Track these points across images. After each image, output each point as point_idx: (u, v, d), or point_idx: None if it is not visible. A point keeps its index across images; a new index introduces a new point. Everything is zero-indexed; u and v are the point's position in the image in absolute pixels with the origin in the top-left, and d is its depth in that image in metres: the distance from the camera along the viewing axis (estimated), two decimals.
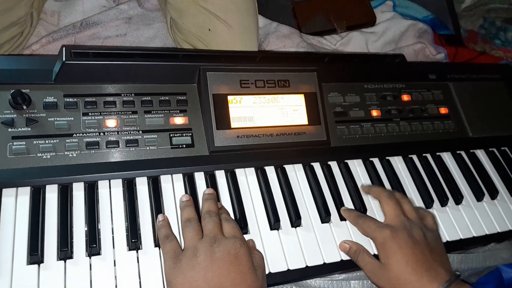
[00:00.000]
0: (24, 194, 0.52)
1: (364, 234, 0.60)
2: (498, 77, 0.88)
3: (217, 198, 0.59)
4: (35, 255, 0.48)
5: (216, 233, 0.51)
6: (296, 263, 0.56)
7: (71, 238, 0.51)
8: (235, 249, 0.49)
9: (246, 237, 0.56)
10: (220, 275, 0.47)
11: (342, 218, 0.63)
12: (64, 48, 0.59)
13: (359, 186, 0.66)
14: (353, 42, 1.07)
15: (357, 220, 0.60)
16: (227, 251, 0.48)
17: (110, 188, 0.56)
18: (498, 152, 0.81)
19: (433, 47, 1.03)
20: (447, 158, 0.76)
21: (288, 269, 0.55)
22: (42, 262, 0.49)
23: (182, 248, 0.51)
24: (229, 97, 0.64)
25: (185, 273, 0.47)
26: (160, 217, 0.54)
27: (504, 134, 0.83)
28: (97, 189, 0.55)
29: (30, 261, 0.48)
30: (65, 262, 0.49)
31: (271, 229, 0.58)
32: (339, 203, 0.64)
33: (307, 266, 0.56)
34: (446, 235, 0.65)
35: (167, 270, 0.49)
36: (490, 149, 0.80)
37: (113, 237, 0.52)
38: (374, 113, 0.74)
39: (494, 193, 0.73)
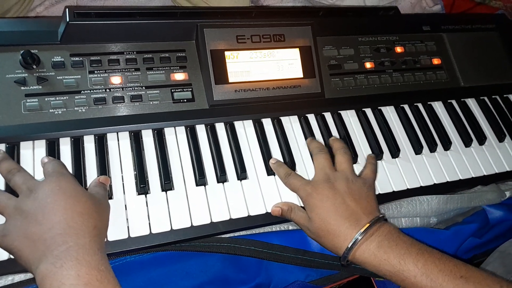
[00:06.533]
0: (40, 147, 0.57)
1: (292, 191, 0.61)
2: (493, 27, 0.89)
3: (218, 148, 0.63)
4: None
5: (29, 185, 0.49)
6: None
7: (85, 185, 0.56)
8: (54, 182, 0.49)
9: (245, 182, 0.61)
10: (50, 211, 0.46)
11: None
12: (67, 9, 0.62)
13: (351, 134, 0.70)
14: None
15: (285, 178, 0.61)
16: (48, 190, 0.48)
17: (118, 140, 0.60)
18: (489, 100, 0.83)
19: None
20: (438, 107, 0.79)
21: None
22: None
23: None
24: (226, 53, 0.67)
25: (19, 236, 0.46)
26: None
27: (496, 82, 0.85)
28: (106, 141, 0.60)
29: None
30: None
31: (268, 174, 0.63)
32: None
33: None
34: (434, 179, 0.70)
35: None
36: (481, 97, 0.83)
37: (123, 184, 0.57)
38: (368, 65, 0.77)
39: (482, 139, 0.76)
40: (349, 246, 0.52)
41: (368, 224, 0.53)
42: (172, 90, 0.65)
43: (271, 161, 0.63)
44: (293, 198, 0.62)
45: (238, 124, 0.67)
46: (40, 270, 0.43)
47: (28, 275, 0.52)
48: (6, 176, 0.52)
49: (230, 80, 0.66)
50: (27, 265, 0.46)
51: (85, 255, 0.44)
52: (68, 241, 0.45)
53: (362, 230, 0.52)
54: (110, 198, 0.56)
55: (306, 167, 0.66)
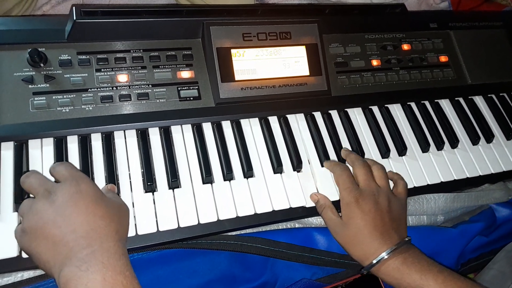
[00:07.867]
0: (48, 145, 0.57)
1: (336, 183, 0.62)
2: (500, 25, 0.89)
3: (224, 147, 0.63)
4: None
5: (46, 186, 0.49)
6: (297, 202, 0.61)
7: None
8: (74, 186, 0.48)
9: (252, 180, 0.62)
10: (71, 214, 0.46)
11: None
12: (74, 7, 0.62)
13: (357, 133, 0.70)
14: None
15: (335, 168, 0.63)
16: (68, 194, 0.47)
17: (125, 138, 0.61)
18: (497, 98, 0.83)
19: None
20: (445, 104, 0.79)
21: (290, 207, 0.61)
22: None
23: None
24: (233, 51, 0.67)
25: (37, 238, 0.45)
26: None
27: (504, 80, 0.85)
28: (113, 139, 0.60)
29: None
30: None
31: (274, 172, 0.63)
32: (338, 149, 0.67)
33: (307, 205, 0.61)
34: (441, 177, 0.70)
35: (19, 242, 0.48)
36: (489, 95, 0.83)
37: (130, 181, 0.58)
38: (374, 62, 0.77)
39: (489, 137, 0.76)
40: (376, 261, 0.55)
41: (396, 245, 0.55)
42: (179, 88, 0.65)
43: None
44: (300, 196, 0.62)
45: (244, 122, 0.67)
46: (64, 273, 0.42)
47: (37, 272, 0.52)
48: (21, 179, 0.52)
49: (236, 78, 0.66)
50: (47, 268, 0.45)
51: (111, 259, 0.44)
52: (93, 244, 0.44)
53: (390, 250, 0.55)
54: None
55: (311, 163, 0.66)
